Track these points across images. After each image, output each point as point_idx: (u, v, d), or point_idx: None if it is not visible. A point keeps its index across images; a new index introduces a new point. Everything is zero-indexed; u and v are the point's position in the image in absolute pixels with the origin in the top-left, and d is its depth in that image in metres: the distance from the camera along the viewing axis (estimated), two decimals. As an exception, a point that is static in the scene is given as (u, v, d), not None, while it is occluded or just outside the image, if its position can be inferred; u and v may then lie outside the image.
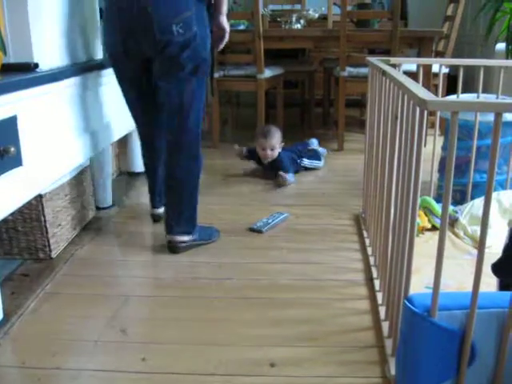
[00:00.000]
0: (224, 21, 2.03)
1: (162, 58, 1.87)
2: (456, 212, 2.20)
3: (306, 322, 1.59)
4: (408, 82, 1.32)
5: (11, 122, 1.60)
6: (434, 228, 2.15)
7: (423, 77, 2.28)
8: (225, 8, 2.01)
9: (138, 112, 2.15)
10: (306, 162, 3.15)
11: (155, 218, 2.36)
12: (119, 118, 2.58)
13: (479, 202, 2.18)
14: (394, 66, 1.99)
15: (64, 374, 1.36)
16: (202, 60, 1.90)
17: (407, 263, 1.25)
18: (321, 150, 3.35)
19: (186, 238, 2.05)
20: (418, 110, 1.18)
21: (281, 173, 2.87)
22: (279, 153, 2.98)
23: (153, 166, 2.25)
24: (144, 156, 2.29)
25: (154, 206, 2.36)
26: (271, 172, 2.97)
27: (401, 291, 1.29)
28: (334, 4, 4.51)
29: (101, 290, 1.79)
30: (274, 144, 2.94)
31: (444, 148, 2.52)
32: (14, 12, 1.80)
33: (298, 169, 3.10)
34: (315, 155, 3.23)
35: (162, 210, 2.33)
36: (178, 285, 1.83)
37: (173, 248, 2.05)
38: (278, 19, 4.25)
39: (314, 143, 3.38)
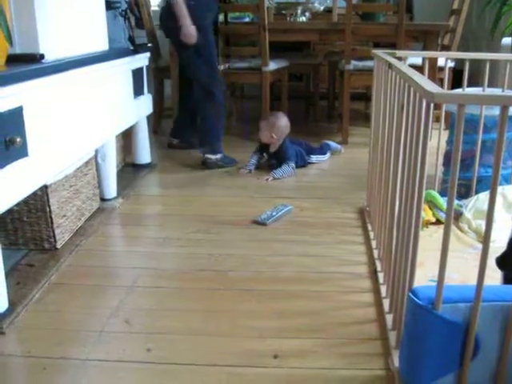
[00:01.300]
0: None
1: None
2: (460, 206, 2.20)
3: (310, 314, 1.60)
4: (414, 75, 1.31)
5: (17, 112, 1.61)
6: (438, 222, 2.15)
7: (429, 70, 2.27)
8: None
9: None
10: (313, 158, 3.18)
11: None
12: (120, 113, 2.59)
13: (484, 197, 2.18)
14: (399, 58, 1.98)
15: (69, 363, 1.37)
16: None
17: (412, 256, 1.25)
18: (333, 145, 3.37)
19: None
20: (424, 102, 1.18)
21: (271, 174, 2.89)
22: (284, 143, 2.98)
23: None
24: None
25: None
26: (276, 162, 2.97)
27: (405, 284, 1.30)
28: (340, -4, 4.49)
29: (105, 281, 1.80)
30: (271, 126, 2.94)
31: (449, 142, 2.52)
32: (20, 3, 1.81)
33: (305, 164, 3.11)
34: (322, 150, 3.26)
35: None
36: (182, 276, 1.84)
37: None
38: (283, 12, 4.24)
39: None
